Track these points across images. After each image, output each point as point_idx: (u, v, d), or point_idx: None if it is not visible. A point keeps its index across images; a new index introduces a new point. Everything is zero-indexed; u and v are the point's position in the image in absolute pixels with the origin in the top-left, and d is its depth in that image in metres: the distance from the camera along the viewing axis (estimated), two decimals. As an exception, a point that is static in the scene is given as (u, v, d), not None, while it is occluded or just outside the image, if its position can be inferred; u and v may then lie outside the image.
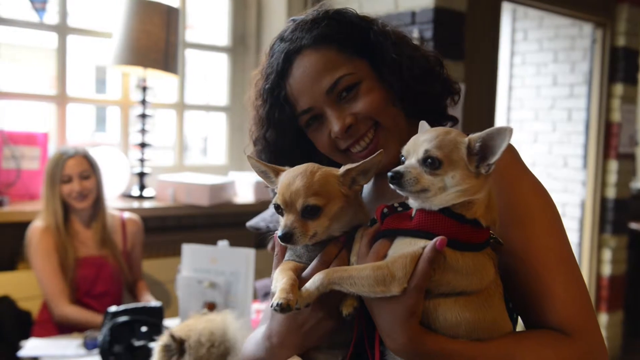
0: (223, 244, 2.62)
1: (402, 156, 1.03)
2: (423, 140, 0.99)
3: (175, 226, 3.69)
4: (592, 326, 1.09)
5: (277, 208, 1.06)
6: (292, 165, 1.18)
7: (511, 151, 1.17)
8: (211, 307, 2.47)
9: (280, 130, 1.28)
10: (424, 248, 0.95)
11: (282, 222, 1.03)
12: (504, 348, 1.01)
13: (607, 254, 4.76)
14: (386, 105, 1.24)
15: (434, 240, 0.94)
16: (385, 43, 1.26)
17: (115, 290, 2.99)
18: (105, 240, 2.95)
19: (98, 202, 2.96)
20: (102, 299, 2.90)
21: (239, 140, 4.27)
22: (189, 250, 2.56)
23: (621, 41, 4.71)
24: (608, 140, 4.76)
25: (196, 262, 2.54)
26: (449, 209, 0.97)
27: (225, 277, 2.50)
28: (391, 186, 0.99)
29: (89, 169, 2.93)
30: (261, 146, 1.33)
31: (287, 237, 1.02)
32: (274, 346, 1.14)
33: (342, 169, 1.07)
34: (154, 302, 2.58)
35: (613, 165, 4.74)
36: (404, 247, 0.98)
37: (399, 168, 0.98)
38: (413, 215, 1.01)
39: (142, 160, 3.62)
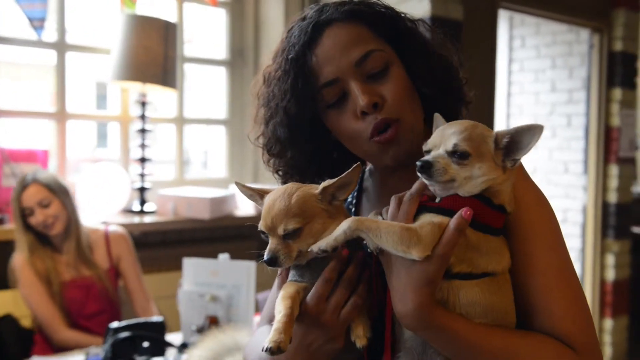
0: (224, 257, 2.62)
1: (426, 150, 1.06)
2: (451, 132, 1.03)
3: (176, 240, 3.68)
4: (593, 344, 1.07)
5: (262, 233, 1.08)
6: (305, 143, 1.22)
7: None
8: (213, 320, 2.46)
9: (302, 102, 1.20)
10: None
11: (268, 247, 1.06)
12: (508, 340, 1.02)
13: (610, 259, 4.74)
14: (411, 98, 1.20)
15: (461, 209, 0.97)
16: (416, 33, 1.24)
17: (110, 307, 2.94)
18: (84, 260, 2.86)
19: (70, 223, 2.85)
20: (97, 318, 2.86)
21: (239, 153, 4.27)
22: (190, 264, 2.56)
23: (618, 46, 4.71)
24: (608, 145, 4.76)
25: (197, 276, 2.53)
26: (480, 194, 1.02)
27: (226, 291, 2.49)
28: (419, 175, 1.02)
29: (48, 195, 2.79)
30: (279, 118, 1.24)
31: (273, 261, 1.05)
32: None
33: (320, 187, 1.08)
34: (155, 317, 2.57)
35: (614, 170, 4.73)
36: (433, 217, 1.01)
37: (428, 158, 1.02)
38: (439, 200, 1.04)
39: (142, 175, 3.62)
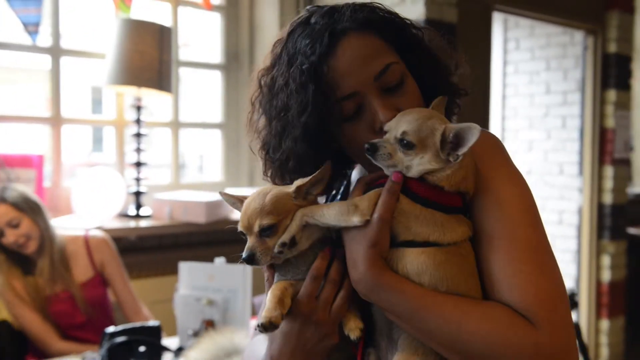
0: (220, 261, 2.62)
1: (385, 129, 1.11)
2: (405, 120, 1.08)
3: (172, 244, 3.68)
4: (558, 319, 1.01)
5: (242, 234, 1.12)
6: (321, 155, 1.17)
7: (495, 142, 1.19)
8: (210, 324, 2.46)
9: (322, 115, 1.14)
10: None
11: (246, 245, 1.10)
12: (459, 305, 1.02)
13: (606, 260, 4.75)
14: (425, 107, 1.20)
15: (390, 174, 1.07)
16: (421, 42, 1.23)
17: (101, 314, 2.90)
18: (59, 276, 2.79)
19: (44, 240, 2.77)
20: (88, 327, 2.83)
21: (234, 157, 4.27)
22: (186, 268, 2.56)
23: (613, 48, 4.73)
24: (603, 146, 4.77)
25: (194, 280, 2.53)
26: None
27: (223, 294, 2.49)
28: (366, 154, 1.08)
29: (17, 214, 2.71)
30: (297, 133, 1.16)
31: (250, 259, 1.09)
32: None
33: (293, 186, 1.11)
34: (151, 322, 2.56)
35: (609, 171, 4.74)
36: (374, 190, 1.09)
37: (377, 141, 1.08)
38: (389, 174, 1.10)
39: (138, 180, 3.62)
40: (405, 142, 1.06)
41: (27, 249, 2.75)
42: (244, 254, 1.09)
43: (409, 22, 1.25)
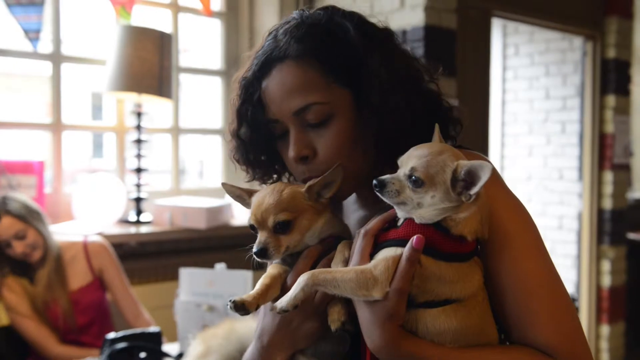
0: (220, 266, 2.62)
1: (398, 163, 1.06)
2: (414, 155, 1.03)
3: (172, 250, 3.68)
4: (580, 353, 1.04)
5: (252, 227, 1.12)
6: (269, 159, 1.25)
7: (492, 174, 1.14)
8: (210, 330, 2.46)
9: (255, 129, 1.21)
10: None
11: (257, 239, 1.09)
12: (484, 357, 1.01)
13: (606, 265, 4.75)
14: (353, 148, 1.15)
15: (411, 240, 0.98)
16: (375, 83, 1.13)
17: (100, 319, 2.92)
18: (58, 283, 2.80)
19: (47, 248, 2.79)
20: (87, 331, 2.85)
21: (234, 163, 4.28)
22: (186, 274, 2.56)
23: (611, 53, 4.74)
24: (602, 151, 4.78)
25: (194, 285, 2.53)
26: (436, 223, 1.01)
27: (223, 300, 2.49)
28: (375, 191, 1.03)
29: (22, 226, 2.71)
30: (236, 144, 1.27)
31: (262, 253, 1.08)
32: (265, 345, 1.16)
33: (305, 185, 1.12)
34: (152, 328, 2.57)
35: (608, 176, 4.75)
36: (389, 252, 1.01)
37: (385, 177, 1.02)
38: (400, 224, 1.04)
39: (138, 186, 3.63)
40: (414, 178, 1.00)
41: (33, 258, 2.76)
42: (255, 248, 1.08)
43: (387, 47, 1.18)
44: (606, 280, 4.75)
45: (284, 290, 1.09)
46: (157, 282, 3.47)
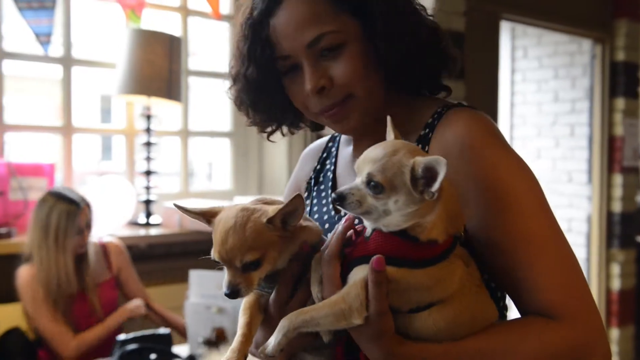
0: (230, 269, 2.63)
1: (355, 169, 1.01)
2: (369, 160, 0.97)
3: (181, 252, 3.70)
4: (585, 309, 1.02)
5: (216, 262, 1.05)
6: (273, 105, 1.23)
7: (488, 128, 1.14)
8: (220, 332, 2.47)
9: (262, 69, 1.19)
10: None
11: (225, 279, 1.03)
12: (483, 343, 0.99)
13: (615, 268, 4.74)
14: (366, 74, 1.16)
15: (371, 262, 0.93)
16: (382, 8, 1.15)
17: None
18: (92, 275, 2.89)
19: (90, 241, 2.91)
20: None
21: (243, 165, 4.30)
22: (196, 276, 2.57)
23: (620, 56, 4.74)
24: (612, 154, 4.77)
25: (204, 288, 2.55)
26: (403, 231, 0.95)
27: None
28: (336, 205, 0.98)
29: (91, 216, 2.88)
30: (241, 85, 1.24)
31: (234, 294, 1.03)
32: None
33: (264, 218, 1.03)
34: (162, 329, 2.58)
35: (618, 179, 4.74)
36: (359, 273, 0.97)
37: (343, 189, 0.97)
38: (368, 235, 0.99)
39: (148, 188, 3.64)
40: (372, 184, 0.94)
41: (83, 250, 2.85)
42: (226, 289, 1.03)
43: None
44: (616, 284, 4.74)
45: (268, 314, 1.09)
46: (167, 284, 3.48)
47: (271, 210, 1.03)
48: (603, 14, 4.69)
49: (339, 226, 1.03)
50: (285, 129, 1.36)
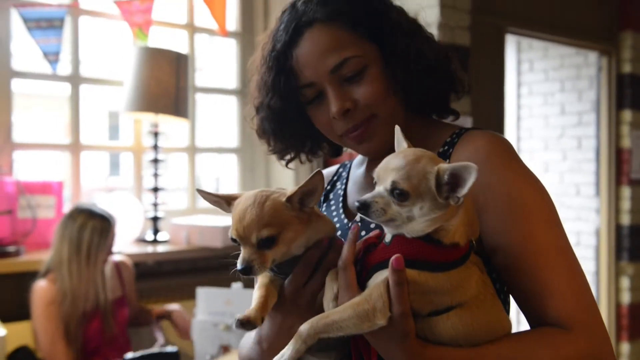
0: (237, 286, 2.63)
1: (374, 180, 1.02)
2: (392, 168, 0.98)
3: (189, 269, 3.70)
4: (594, 320, 1.06)
5: (234, 241, 1.08)
6: (294, 133, 1.30)
7: (506, 146, 1.20)
8: (227, 350, 2.47)
9: (285, 99, 1.26)
10: None
11: (240, 255, 1.05)
12: (503, 351, 1.01)
13: (625, 282, 4.70)
14: (387, 95, 1.23)
15: (390, 262, 0.94)
16: (398, 32, 1.24)
17: (123, 333, 2.97)
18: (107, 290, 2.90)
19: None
20: (110, 346, 2.87)
21: (250, 181, 4.30)
22: (203, 293, 2.58)
23: (627, 68, 4.73)
24: (619, 166, 4.75)
25: (211, 305, 2.55)
26: (427, 235, 0.97)
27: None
28: (359, 215, 1.01)
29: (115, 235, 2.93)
30: (264, 114, 1.31)
31: (247, 270, 1.04)
32: (265, 351, 1.17)
33: (284, 196, 1.07)
34: (169, 348, 2.58)
35: (626, 192, 4.72)
36: (380, 277, 0.98)
37: (367, 197, 0.98)
38: (389, 241, 1.01)
39: (155, 205, 3.65)
40: (397, 192, 0.96)
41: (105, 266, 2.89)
42: (239, 265, 1.04)
43: (395, 8, 1.28)
44: (625, 297, 4.70)
45: (281, 296, 1.12)
46: (174, 301, 3.48)
47: (290, 190, 1.07)
48: (609, 27, 4.69)
49: (350, 234, 1.06)
50: (303, 156, 1.42)
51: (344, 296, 1.01)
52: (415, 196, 0.96)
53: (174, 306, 3.09)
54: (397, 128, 1.10)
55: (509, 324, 1.06)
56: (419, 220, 0.97)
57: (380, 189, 0.99)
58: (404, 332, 0.97)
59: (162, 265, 3.55)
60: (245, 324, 1.04)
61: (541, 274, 1.07)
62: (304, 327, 0.98)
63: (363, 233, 1.17)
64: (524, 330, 1.09)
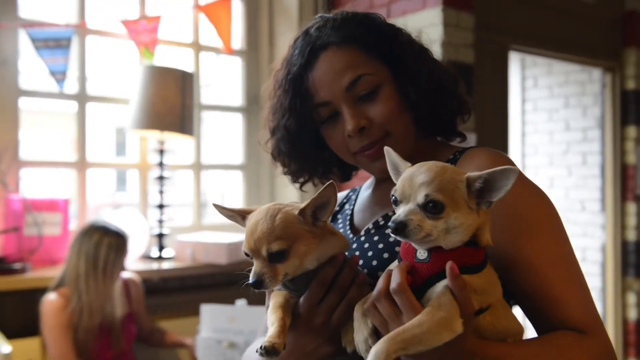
0: (241, 303, 2.64)
1: (393, 196, 1.01)
2: (420, 182, 0.97)
3: (194, 286, 3.71)
4: (599, 324, 1.13)
5: (247, 255, 1.08)
6: (308, 155, 1.34)
7: (510, 162, 1.22)
8: (231, 367, 2.47)
9: (301, 119, 1.31)
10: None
11: (253, 269, 1.05)
12: (535, 348, 1.06)
13: (631, 298, 4.68)
14: (400, 114, 1.27)
15: (447, 269, 0.95)
16: (409, 53, 1.29)
17: (130, 350, 2.99)
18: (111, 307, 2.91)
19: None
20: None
21: (255, 198, 4.32)
22: (207, 310, 2.58)
23: (631, 84, 4.74)
24: (625, 182, 4.74)
25: (215, 322, 2.55)
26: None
27: (244, 337, 2.50)
28: (395, 237, 0.97)
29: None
30: (280, 135, 1.36)
31: (258, 284, 1.04)
32: None
33: (297, 209, 1.07)
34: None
35: (631, 208, 4.71)
36: (437, 289, 0.98)
37: (401, 217, 0.95)
38: (425, 257, 1.00)
39: (160, 222, 3.67)
40: (431, 205, 0.95)
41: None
42: (251, 279, 1.04)
43: (404, 31, 1.34)
44: (632, 314, 4.67)
45: (296, 316, 1.11)
46: (180, 318, 3.49)
47: (303, 203, 1.08)
48: (613, 43, 4.71)
49: (397, 262, 1.05)
50: (316, 179, 1.46)
51: (408, 317, 0.97)
52: (450, 207, 0.95)
53: (189, 340, 3.10)
54: (387, 149, 1.11)
55: (522, 330, 1.10)
56: (457, 231, 0.96)
57: (410, 205, 0.97)
58: (470, 346, 1.00)
59: (167, 281, 3.55)
60: (271, 351, 1.00)
61: (556, 285, 1.11)
62: (379, 348, 0.91)
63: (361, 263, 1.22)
64: (548, 333, 1.12)
